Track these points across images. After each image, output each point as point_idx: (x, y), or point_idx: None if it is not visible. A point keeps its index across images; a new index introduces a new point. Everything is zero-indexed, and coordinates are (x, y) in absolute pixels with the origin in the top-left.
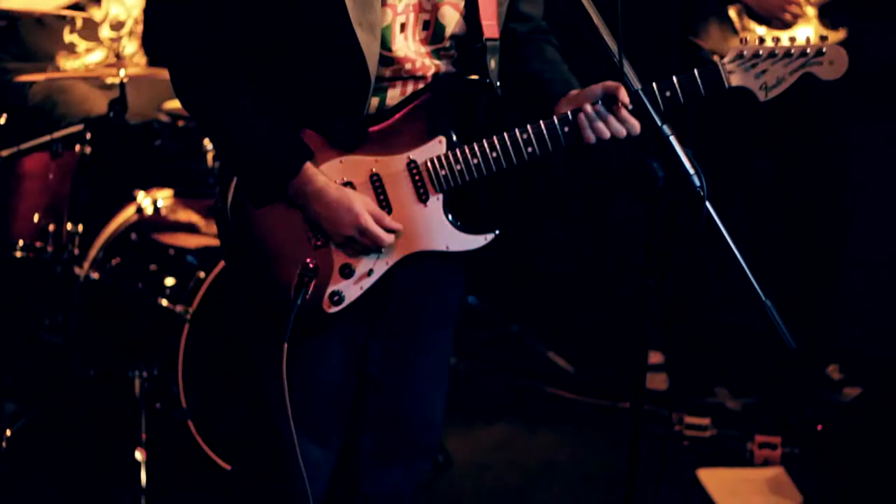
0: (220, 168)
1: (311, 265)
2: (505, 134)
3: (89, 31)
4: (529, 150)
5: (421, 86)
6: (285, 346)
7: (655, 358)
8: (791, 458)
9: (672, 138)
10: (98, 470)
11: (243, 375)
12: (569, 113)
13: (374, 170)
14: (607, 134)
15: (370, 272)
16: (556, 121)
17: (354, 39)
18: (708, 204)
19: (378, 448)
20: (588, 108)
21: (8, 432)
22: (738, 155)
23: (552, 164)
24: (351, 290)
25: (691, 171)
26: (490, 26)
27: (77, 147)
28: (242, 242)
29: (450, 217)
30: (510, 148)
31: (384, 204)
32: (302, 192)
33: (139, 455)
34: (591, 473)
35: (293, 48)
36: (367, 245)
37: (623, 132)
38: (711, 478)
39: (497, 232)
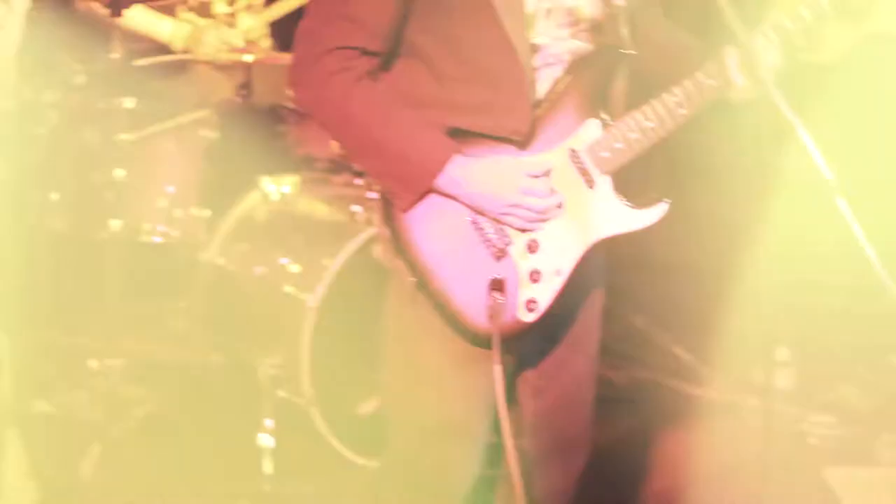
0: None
1: (498, 279)
2: (654, 101)
3: (203, 7)
4: (682, 111)
5: (560, 71)
6: (498, 367)
7: (782, 354)
8: None
9: (801, 129)
10: (222, 455)
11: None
12: (710, 65)
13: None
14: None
15: (559, 271)
16: (700, 76)
17: (502, 31)
18: (839, 197)
19: (538, 450)
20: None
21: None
22: None
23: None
24: (544, 294)
25: (821, 162)
26: None
27: (203, 131)
28: (412, 265)
29: (619, 197)
30: (664, 114)
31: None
32: (450, 180)
33: (263, 441)
34: (711, 470)
35: (443, 52)
36: (533, 205)
37: None
38: (838, 477)
39: (668, 201)
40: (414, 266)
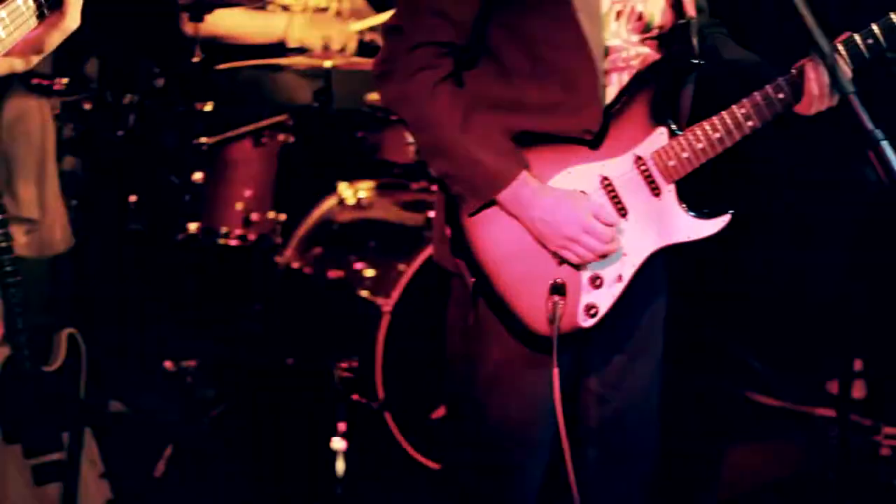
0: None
1: (559, 283)
2: (723, 113)
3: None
4: (749, 123)
5: (627, 76)
6: (556, 371)
7: (856, 365)
8: None
9: (885, 143)
10: (295, 458)
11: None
12: (780, 79)
13: (602, 174)
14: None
15: (620, 277)
16: (770, 89)
17: (578, 30)
18: None
19: (603, 458)
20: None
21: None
22: None
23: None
24: (605, 300)
25: None
26: (689, 3)
27: (281, 136)
28: (473, 266)
29: (684, 206)
30: (731, 126)
31: (619, 206)
32: (515, 197)
33: (336, 444)
34: (782, 481)
35: (518, 50)
36: (591, 245)
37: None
38: None
39: (732, 212)
40: (475, 267)
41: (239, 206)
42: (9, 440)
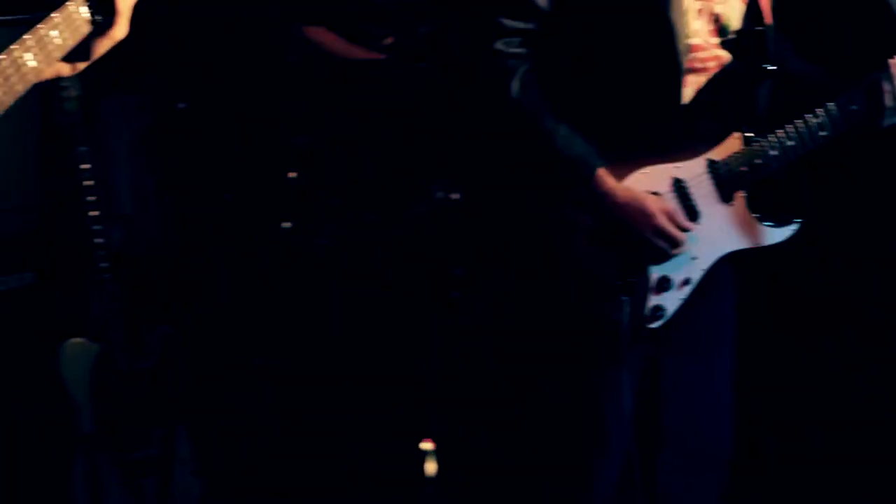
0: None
1: (627, 283)
2: (798, 121)
3: None
4: (823, 133)
5: (704, 78)
6: (624, 371)
7: None
8: None
9: None
10: (383, 459)
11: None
12: (854, 91)
13: (676, 176)
14: None
15: (687, 280)
16: (844, 100)
17: (667, 24)
18: None
19: (676, 463)
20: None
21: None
22: None
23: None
24: (672, 302)
25: None
26: (766, 11)
27: (375, 136)
28: (547, 263)
29: (754, 213)
30: (807, 134)
31: (690, 209)
32: (590, 195)
33: (426, 445)
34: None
35: (600, 44)
36: (661, 247)
37: None
38: None
39: (801, 221)
40: (549, 264)
41: (331, 205)
42: (103, 436)
